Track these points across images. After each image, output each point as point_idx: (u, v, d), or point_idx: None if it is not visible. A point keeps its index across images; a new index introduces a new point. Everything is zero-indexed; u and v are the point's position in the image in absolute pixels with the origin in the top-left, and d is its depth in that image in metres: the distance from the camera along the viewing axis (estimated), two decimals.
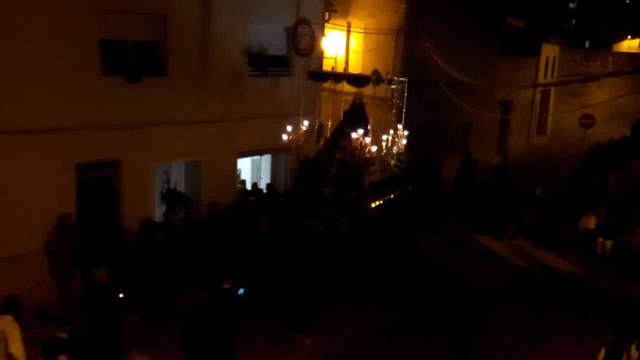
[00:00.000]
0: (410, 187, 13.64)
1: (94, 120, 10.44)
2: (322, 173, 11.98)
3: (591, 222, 14.75)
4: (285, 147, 14.25)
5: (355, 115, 12.54)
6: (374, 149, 11.72)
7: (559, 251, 14.80)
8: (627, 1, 44.43)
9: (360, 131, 11.56)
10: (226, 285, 8.01)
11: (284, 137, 12.06)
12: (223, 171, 12.97)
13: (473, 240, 15.40)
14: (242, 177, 14.65)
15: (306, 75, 13.27)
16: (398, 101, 13.13)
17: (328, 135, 12.95)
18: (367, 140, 11.57)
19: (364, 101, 12.74)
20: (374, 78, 12.50)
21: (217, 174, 12.80)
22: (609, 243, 14.37)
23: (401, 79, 13.07)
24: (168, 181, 12.80)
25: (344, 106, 13.18)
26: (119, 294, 8.52)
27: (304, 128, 12.22)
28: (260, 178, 15.11)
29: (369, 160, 11.79)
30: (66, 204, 10.27)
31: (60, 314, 8.82)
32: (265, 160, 15.18)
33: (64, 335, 6.88)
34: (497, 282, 12.92)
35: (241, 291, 8.59)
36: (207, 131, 12.38)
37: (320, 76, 13.47)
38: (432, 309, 11.22)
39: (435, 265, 13.35)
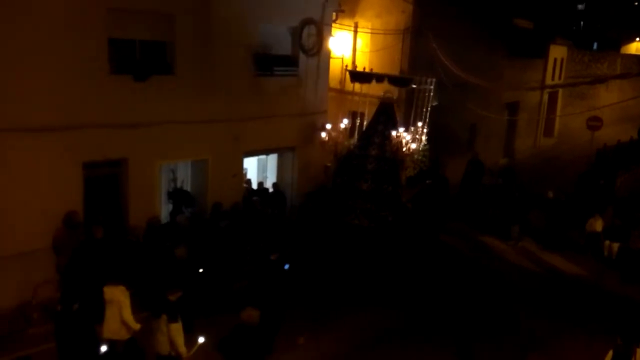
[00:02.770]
0: (427, 181, 14.09)
1: (101, 118, 10.48)
2: (358, 169, 12.51)
3: (598, 225, 14.68)
4: (291, 147, 14.39)
5: (386, 114, 13.06)
6: (413, 146, 12.13)
7: (566, 253, 14.72)
8: (636, 3, 44.23)
9: (401, 129, 11.97)
10: (273, 257, 9.25)
11: (323, 134, 12.32)
12: (229, 170, 12.99)
13: (479, 242, 15.35)
14: (248, 176, 14.67)
15: (347, 74, 13.89)
16: (429, 100, 13.90)
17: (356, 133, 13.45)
18: (408, 137, 11.97)
19: (393, 100, 13.28)
20: (417, 78, 13.13)
21: (223, 173, 12.81)
22: (615, 246, 14.28)
23: (432, 79, 14.03)
24: (175, 180, 12.85)
25: (350, 106, 13.40)
26: (199, 269, 9.79)
27: (342, 126, 12.53)
28: (266, 177, 15.13)
29: (407, 157, 12.22)
30: (73, 202, 10.32)
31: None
32: (272, 159, 15.20)
33: (172, 298, 7.52)
34: (504, 283, 12.86)
35: (287, 266, 9.63)
36: (213, 130, 12.39)
37: (361, 76, 13.66)
38: (439, 306, 11.25)
39: (453, 257, 13.71)
